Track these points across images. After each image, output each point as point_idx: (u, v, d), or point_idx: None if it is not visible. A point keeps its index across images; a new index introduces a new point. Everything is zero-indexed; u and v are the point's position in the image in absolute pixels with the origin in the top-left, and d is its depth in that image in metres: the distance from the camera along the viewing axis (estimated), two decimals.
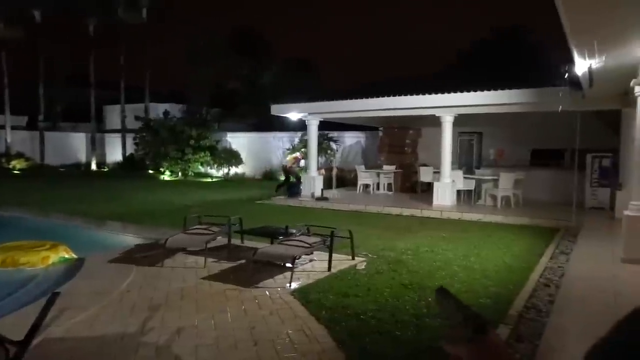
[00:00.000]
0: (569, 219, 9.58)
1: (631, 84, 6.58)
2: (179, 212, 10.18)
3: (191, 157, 21.86)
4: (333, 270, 6.08)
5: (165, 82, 32.59)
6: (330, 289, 5.33)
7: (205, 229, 6.97)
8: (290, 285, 5.43)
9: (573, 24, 5.03)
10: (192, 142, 21.77)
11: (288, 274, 5.73)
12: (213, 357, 3.68)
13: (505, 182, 11.80)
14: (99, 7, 26.80)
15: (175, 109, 24.79)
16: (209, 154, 22.22)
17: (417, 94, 12.29)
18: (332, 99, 13.86)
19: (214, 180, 21.69)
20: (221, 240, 7.22)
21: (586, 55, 6.23)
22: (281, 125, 20.56)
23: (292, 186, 14.55)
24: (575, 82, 8.66)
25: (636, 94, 6.50)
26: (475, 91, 11.48)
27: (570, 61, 6.83)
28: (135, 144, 24.00)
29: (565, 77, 8.96)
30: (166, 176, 22.38)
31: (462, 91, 11.65)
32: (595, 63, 6.60)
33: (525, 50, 25.69)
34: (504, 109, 11.48)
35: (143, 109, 26.59)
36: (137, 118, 24.25)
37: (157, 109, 25.35)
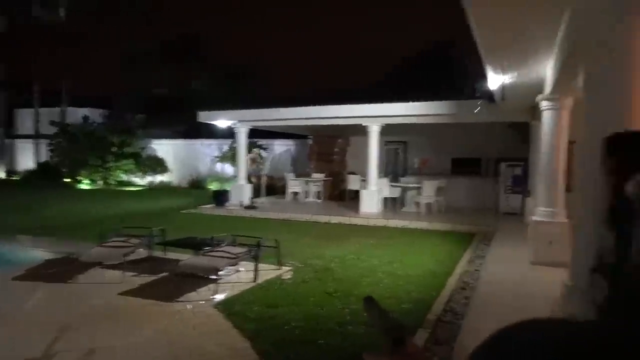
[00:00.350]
0: (485, 224, 10.16)
1: (537, 99, 7.11)
2: (96, 224, 9.61)
3: (113, 164, 20.79)
4: (259, 280, 5.99)
5: (92, 86, 30.74)
6: (256, 300, 5.24)
7: (124, 241, 6.61)
8: (214, 298, 5.28)
9: (486, 45, 5.37)
10: (114, 149, 20.72)
11: (212, 286, 5.57)
12: None
13: (429, 190, 12.31)
14: (11, 3, 24.88)
15: (95, 114, 23.49)
16: (132, 162, 21.25)
17: (345, 103, 12.55)
18: (262, 107, 13.79)
19: (137, 189, 20.74)
20: (142, 252, 6.88)
21: (499, 72, 6.67)
22: (210, 132, 20.12)
23: (219, 195, 14.23)
24: (490, 95, 9.24)
25: (542, 109, 7.03)
26: (401, 102, 11.91)
27: (485, 76, 7.29)
28: (50, 150, 22.43)
29: (482, 91, 9.55)
30: (84, 185, 21.09)
31: (388, 102, 12.05)
32: (507, 79, 7.08)
33: (448, 65, 27.13)
34: (427, 120, 12.02)
35: (59, 114, 24.93)
36: (52, 123, 22.70)
37: (77, 114, 23.89)
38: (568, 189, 7.29)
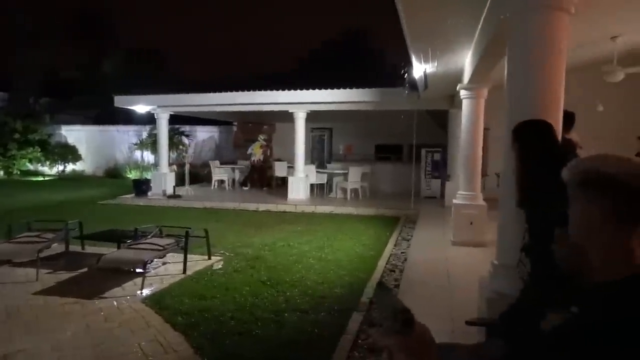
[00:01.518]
0: (409, 208, 10.60)
1: (457, 88, 7.47)
2: (0, 217, 8.77)
3: (16, 153, 19.04)
4: (188, 272, 5.81)
5: None
6: (186, 293, 5.08)
7: (36, 236, 6.09)
8: (141, 293, 5.04)
9: (412, 33, 5.51)
10: (17, 135, 18.95)
11: (139, 280, 5.31)
12: None
13: (354, 176, 12.58)
14: None
15: None
16: (39, 150, 19.59)
17: (271, 89, 12.41)
18: (185, 92, 13.24)
19: (46, 178, 19.19)
20: (58, 248, 6.40)
21: (422, 61, 6.91)
22: (127, 118, 19.04)
23: (140, 184, 13.55)
24: (412, 84, 9.56)
25: (461, 97, 7.40)
26: (326, 89, 12.00)
27: (409, 65, 7.52)
28: None
29: (405, 78, 9.86)
30: None
31: (314, 88, 12.08)
32: (429, 68, 7.36)
33: (371, 52, 27.76)
34: (352, 107, 12.22)
35: None
36: None
37: None
38: (483, 173, 7.78)
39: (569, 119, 3.87)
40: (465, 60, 6.92)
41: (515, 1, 3.10)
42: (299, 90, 12.23)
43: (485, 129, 7.68)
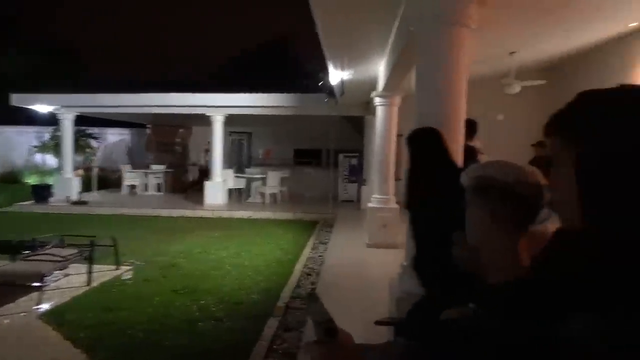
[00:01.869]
0: (326, 212, 10.76)
1: (371, 95, 7.73)
2: None
3: None
4: (94, 284, 5.44)
5: None
6: (91, 306, 4.75)
7: None
8: (38, 308, 4.63)
9: (328, 41, 5.63)
10: None
11: (36, 295, 4.87)
12: None
13: (273, 180, 12.55)
14: None
15: None
16: None
17: (188, 92, 12.05)
18: (94, 92, 12.43)
19: None
20: None
21: (339, 68, 7.07)
22: (27, 118, 17.46)
23: (40, 189, 12.49)
24: (330, 90, 9.74)
25: (375, 104, 7.66)
26: (245, 93, 11.88)
27: (327, 72, 7.66)
28: None
29: (323, 85, 10.02)
30: None
31: (232, 92, 11.91)
32: (346, 75, 7.54)
33: (291, 60, 27.93)
34: (272, 111, 12.20)
35: None
36: None
37: None
38: (397, 177, 8.10)
39: (471, 126, 4.14)
40: (380, 69, 7.18)
41: (421, 16, 3.26)
42: (216, 94, 12.00)
43: (399, 135, 8.00)
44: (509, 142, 9.11)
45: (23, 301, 4.85)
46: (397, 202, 7.47)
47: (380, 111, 7.66)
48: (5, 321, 4.33)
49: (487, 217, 1.02)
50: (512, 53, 7.73)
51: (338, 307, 4.78)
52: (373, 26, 5.15)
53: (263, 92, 11.88)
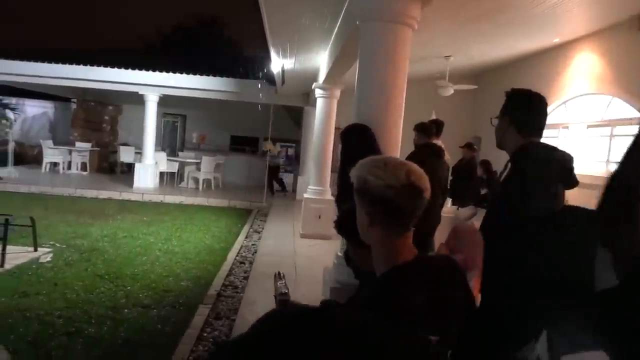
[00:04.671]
0: (261, 201, 10.70)
1: (313, 86, 7.75)
2: None
3: None
4: (7, 266, 5.06)
5: None
6: (3, 290, 4.42)
7: None
8: None
9: (272, 27, 5.56)
10: None
11: None
12: None
13: (207, 166, 12.26)
14: None
15: None
16: None
17: (120, 67, 11.44)
18: (11, 59, 11.42)
19: None
20: None
21: (280, 55, 7.01)
22: None
23: None
24: (270, 78, 9.66)
25: (316, 96, 7.69)
26: (182, 73, 11.47)
27: (268, 58, 7.57)
28: None
29: (262, 72, 9.91)
30: None
31: (167, 71, 11.46)
32: (287, 64, 7.50)
33: (226, 41, 27.22)
34: (208, 95, 11.90)
35: None
36: None
37: None
38: (333, 169, 8.21)
39: (438, 126, 4.29)
40: (322, 61, 7.21)
41: (365, 12, 3.31)
42: (150, 72, 11.49)
43: (337, 128, 8.10)
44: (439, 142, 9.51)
45: None
46: (333, 194, 7.58)
47: (320, 103, 7.71)
48: None
49: (364, 215, 1.03)
50: (447, 57, 8.07)
51: (269, 294, 4.78)
52: (318, 16, 5.15)
53: (200, 74, 11.53)
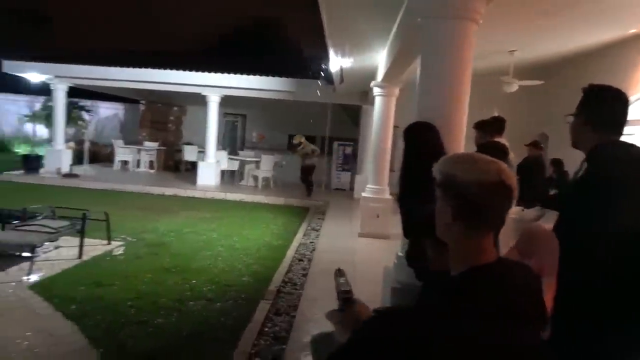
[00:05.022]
0: (319, 199, 10.78)
1: (371, 84, 7.71)
2: None
3: None
4: (85, 257, 5.43)
5: None
6: (81, 279, 4.74)
7: None
8: (28, 279, 4.62)
9: (332, 29, 5.59)
10: None
11: (26, 265, 4.86)
12: None
13: (266, 164, 12.52)
14: None
15: None
16: None
17: (184, 69, 11.92)
18: (87, 64, 12.22)
19: None
20: None
21: (339, 55, 7.03)
22: (15, 85, 17.12)
23: (30, 160, 12.36)
24: (329, 77, 9.70)
25: (374, 94, 7.65)
26: (242, 74, 11.78)
27: (327, 58, 7.62)
28: None
29: (321, 71, 9.98)
30: None
31: (229, 73, 11.80)
32: (346, 63, 7.51)
33: (285, 42, 27.60)
34: (267, 95, 12.14)
35: None
36: None
37: None
38: (391, 168, 8.14)
39: (500, 124, 4.12)
40: (380, 59, 7.15)
41: (427, 8, 3.25)
42: (213, 74, 11.89)
43: (395, 127, 8.02)
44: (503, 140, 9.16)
45: (12, 271, 4.84)
46: (391, 194, 7.51)
47: (378, 101, 7.66)
48: None
49: (448, 211, 1.00)
50: (511, 51, 7.75)
51: (329, 293, 4.82)
52: (377, 15, 5.12)
53: (260, 74, 11.78)
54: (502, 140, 4.04)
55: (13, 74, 12.73)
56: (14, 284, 4.50)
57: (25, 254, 5.00)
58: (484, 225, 0.99)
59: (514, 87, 8.03)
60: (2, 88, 18.37)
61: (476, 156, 1.02)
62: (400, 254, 3.24)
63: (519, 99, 9.61)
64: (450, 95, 3.15)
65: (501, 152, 3.78)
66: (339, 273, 1.29)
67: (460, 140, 3.12)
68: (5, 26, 24.15)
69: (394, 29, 5.40)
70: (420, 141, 2.68)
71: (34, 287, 4.45)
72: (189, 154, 14.32)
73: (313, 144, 12.00)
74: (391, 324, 0.87)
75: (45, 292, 4.33)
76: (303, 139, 11.63)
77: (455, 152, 1.08)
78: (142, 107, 16.66)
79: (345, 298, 1.17)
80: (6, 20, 24.62)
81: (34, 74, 12.56)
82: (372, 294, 4.15)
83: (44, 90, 14.27)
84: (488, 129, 3.99)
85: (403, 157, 2.71)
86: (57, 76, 12.45)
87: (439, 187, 1.03)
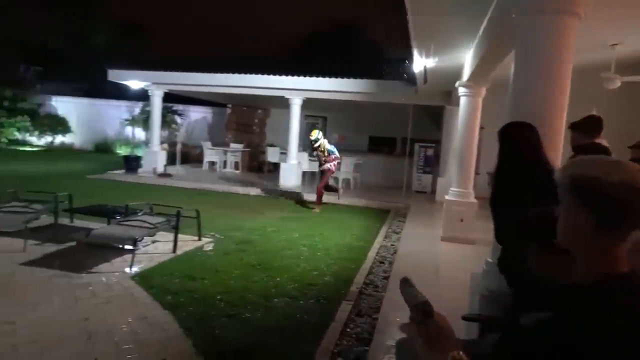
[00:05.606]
0: (399, 202, 10.65)
1: (456, 84, 7.48)
2: None
3: (5, 121, 18.69)
4: (178, 252, 5.80)
5: None
6: (176, 272, 5.07)
7: (24, 206, 6.01)
8: (130, 270, 5.02)
9: (417, 28, 5.50)
10: (6, 103, 18.59)
11: (127, 257, 5.29)
12: (36, 356, 3.20)
13: (347, 166, 12.59)
14: None
15: None
16: (28, 119, 19.25)
17: (268, 74, 12.33)
18: (179, 70, 13.06)
19: (34, 149, 18.92)
20: (45, 220, 6.33)
21: (423, 55, 6.90)
22: (117, 92, 18.75)
23: (130, 160, 13.44)
24: (411, 78, 9.55)
25: (459, 94, 7.41)
26: (324, 77, 11.95)
27: (410, 59, 7.51)
28: None
29: (403, 72, 9.85)
30: None
31: (311, 75, 12.02)
32: (430, 63, 7.35)
33: (365, 44, 27.62)
34: (348, 97, 12.20)
35: None
36: None
37: None
38: (476, 171, 7.83)
39: (597, 124, 3.84)
40: (466, 58, 6.92)
41: (523, 4, 3.08)
42: (295, 77, 12.17)
43: (481, 128, 7.71)
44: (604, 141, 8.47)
45: (116, 262, 5.28)
46: (476, 197, 7.24)
47: (463, 101, 7.41)
48: (102, 279, 4.74)
49: (582, 217, 0.95)
50: (613, 45, 7.14)
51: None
52: (466, 12, 4.96)
53: (341, 76, 11.87)
54: (603, 141, 3.75)
55: (116, 81, 13.92)
56: (117, 274, 4.91)
57: (127, 247, 5.44)
58: (623, 232, 0.93)
59: (617, 83, 7.40)
60: (106, 95, 20.19)
61: (615, 159, 0.98)
62: (489, 259, 3.11)
63: (620, 96, 8.84)
64: (548, 96, 2.97)
65: (602, 155, 3.50)
66: (407, 283, 1.19)
67: (558, 142, 2.93)
68: (110, 38, 26.49)
69: (483, 26, 5.20)
70: (519, 142, 2.54)
71: (135, 277, 4.83)
72: (272, 155, 14.78)
73: (387, 146, 11.22)
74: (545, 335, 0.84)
75: (144, 282, 4.69)
76: (320, 135, 9.83)
77: (590, 155, 1.01)
78: (228, 111, 17.48)
79: (427, 311, 1.04)
80: (111, 32, 26.99)
81: (134, 82, 13.64)
82: (456, 301, 4.04)
83: (142, 96, 15.46)
84: (586, 130, 3.72)
85: (498, 158, 2.58)
86: (154, 83, 13.43)
87: (573, 193, 0.97)
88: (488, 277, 3.04)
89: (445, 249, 6.63)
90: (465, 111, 7.37)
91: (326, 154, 9.78)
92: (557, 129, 2.93)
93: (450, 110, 11.25)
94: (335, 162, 9.77)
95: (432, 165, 12.93)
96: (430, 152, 13.08)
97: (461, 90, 7.36)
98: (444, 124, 12.13)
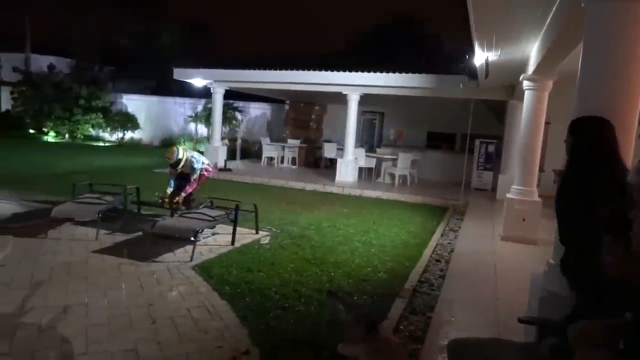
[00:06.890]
0: (458, 199, 10.38)
1: (520, 78, 7.17)
2: (64, 178, 9.31)
3: (81, 118, 20.04)
4: (236, 244, 5.98)
5: (46, 30, 29.03)
6: (234, 264, 5.24)
7: (97, 197, 6.44)
8: (191, 260, 5.24)
9: (478, 20, 5.32)
10: (82, 101, 19.92)
11: (189, 247, 5.52)
12: (106, 338, 3.43)
13: (404, 162, 12.43)
14: None
15: (62, 64, 22.44)
16: (101, 116, 20.54)
17: (326, 70, 12.39)
18: (240, 68, 13.42)
19: (106, 144, 20.15)
20: (116, 211, 6.74)
21: (485, 49, 6.66)
22: (182, 90, 19.58)
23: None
24: (472, 72, 9.26)
25: (524, 88, 7.10)
26: (381, 72, 11.84)
27: (471, 52, 7.27)
28: (13, 98, 21.39)
29: (464, 66, 9.56)
30: (50, 137, 20.32)
31: (368, 71, 11.95)
32: (491, 56, 7.09)
33: (424, 38, 27.05)
34: (406, 92, 12.02)
35: (23, 60, 23.68)
36: (15, 69, 21.57)
37: (40, 62, 22.79)
38: (540, 168, 7.48)
39: None
40: (532, 50, 6.62)
41: None
42: (353, 73, 12.14)
43: (546, 123, 7.36)
44: None
45: (179, 252, 5.53)
46: (540, 196, 6.92)
47: (528, 96, 7.09)
48: (165, 267, 4.98)
49: None
50: None
51: (467, 296, 4.65)
52: (530, 3, 4.74)
53: (399, 72, 11.71)
54: None
55: (181, 79, 14.53)
56: (179, 263, 5.15)
57: (189, 238, 5.68)
58: None
59: None
60: (172, 92, 21.13)
61: None
62: (552, 261, 2.98)
63: None
64: (618, 90, 2.79)
65: None
66: (335, 296, 0.95)
67: (631, 139, 2.75)
68: (177, 38, 27.66)
69: (550, 16, 4.95)
70: (595, 137, 2.39)
71: (195, 267, 5.04)
72: (329, 151, 14.86)
73: (446, 142, 11.24)
74: None
75: (204, 272, 4.88)
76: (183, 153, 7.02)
77: None
78: (286, 107, 17.75)
79: (371, 322, 0.86)
80: (177, 33, 28.19)
81: (197, 80, 14.18)
82: (515, 302, 3.90)
83: (205, 93, 16.03)
84: None
85: (569, 154, 2.44)
86: (216, 80, 13.89)
87: None
88: (549, 278, 2.91)
89: (505, 249, 6.40)
90: (530, 105, 7.05)
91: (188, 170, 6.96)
92: (628, 126, 2.75)
93: (513, 104, 10.82)
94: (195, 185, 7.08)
95: (493, 162, 12.49)
96: (491, 148, 12.64)
97: (526, 84, 7.05)
98: (507, 119, 11.68)
